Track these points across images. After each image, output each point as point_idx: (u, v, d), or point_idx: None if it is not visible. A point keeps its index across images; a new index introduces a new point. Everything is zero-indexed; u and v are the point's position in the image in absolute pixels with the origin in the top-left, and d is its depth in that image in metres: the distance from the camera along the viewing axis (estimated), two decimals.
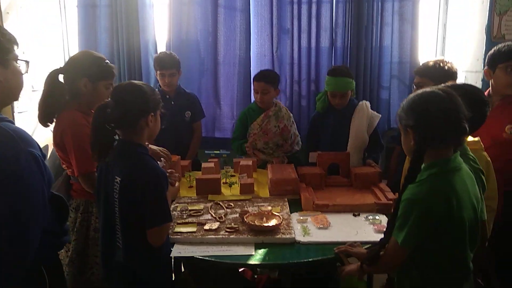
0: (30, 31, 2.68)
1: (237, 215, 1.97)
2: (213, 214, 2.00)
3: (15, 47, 1.31)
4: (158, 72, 2.92)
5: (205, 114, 3.21)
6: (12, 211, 1.18)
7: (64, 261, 2.01)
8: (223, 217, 1.96)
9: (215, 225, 1.86)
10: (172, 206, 2.08)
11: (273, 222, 1.85)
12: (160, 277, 1.69)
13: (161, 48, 3.38)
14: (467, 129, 1.33)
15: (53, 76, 1.98)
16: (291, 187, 2.26)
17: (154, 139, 2.64)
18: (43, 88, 1.99)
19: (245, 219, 1.86)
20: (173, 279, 1.97)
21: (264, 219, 1.89)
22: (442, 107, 1.32)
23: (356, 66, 3.26)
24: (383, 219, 1.94)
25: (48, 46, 2.94)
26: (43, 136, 2.42)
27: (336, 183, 2.44)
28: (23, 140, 1.25)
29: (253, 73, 3.23)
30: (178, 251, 1.69)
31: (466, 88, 1.64)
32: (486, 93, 2.26)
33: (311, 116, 3.20)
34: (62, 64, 2.06)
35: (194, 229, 1.83)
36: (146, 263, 1.64)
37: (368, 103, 2.81)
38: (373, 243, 1.69)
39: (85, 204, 2.06)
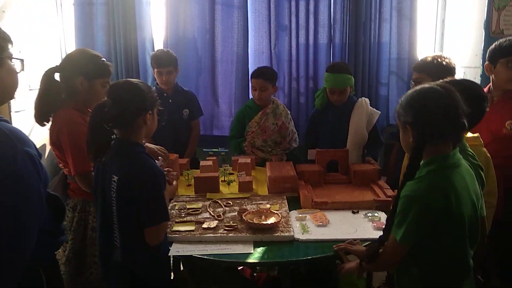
0: (26, 30, 2.66)
1: (236, 213, 1.97)
2: (211, 213, 1.99)
3: (10, 45, 1.30)
4: (155, 70, 2.90)
5: (203, 112, 3.20)
6: (10, 211, 1.17)
7: (61, 261, 2.00)
8: (222, 215, 1.96)
9: (214, 224, 1.85)
10: (170, 204, 2.07)
11: (271, 220, 1.84)
12: (159, 276, 1.68)
13: (158, 45, 3.36)
14: (466, 125, 1.32)
15: (49, 74, 1.97)
16: (290, 185, 2.26)
17: (151, 137, 2.66)
18: (39, 87, 1.97)
19: (244, 217, 1.85)
20: (172, 278, 1.96)
21: (263, 217, 1.89)
22: (441, 103, 1.31)
23: (354, 62, 3.25)
24: (382, 216, 1.93)
25: (44, 44, 2.92)
26: (40, 135, 2.40)
27: (335, 180, 2.43)
28: (19, 139, 1.24)
29: (251, 70, 3.22)
30: (176, 250, 1.68)
31: (465, 84, 1.64)
32: (486, 88, 2.25)
33: (309, 113, 3.19)
34: (58, 63, 2.05)
35: (192, 228, 1.82)
36: (144, 262, 1.63)
37: (367, 100, 2.80)
38: (372, 240, 1.68)
39: (82, 203, 2.05)
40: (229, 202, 2.13)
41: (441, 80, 1.50)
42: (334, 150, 2.53)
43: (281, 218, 1.86)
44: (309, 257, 1.64)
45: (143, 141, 1.74)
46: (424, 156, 1.35)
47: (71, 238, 2.02)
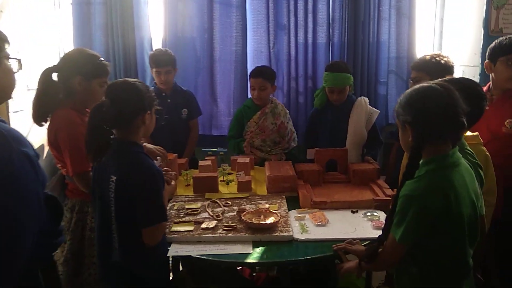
0: (24, 30, 2.64)
1: (235, 213, 1.96)
2: (210, 213, 1.98)
3: (7, 45, 1.29)
4: (153, 69, 2.89)
5: (201, 111, 3.19)
6: (7, 212, 1.17)
7: (59, 261, 1.99)
8: (221, 215, 1.95)
9: (213, 224, 1.84)
10: (169, 205, 2.07)
11: (271, 220, 1.84)
12: (158, 277, 1.68)
13: (157, 45, 3.35)
14: (465, 124, 1.32)
15: (46, 74, 1.96)
16: (289, 184, 2.25)
17: (150, 137, 2.65)
18: (36, 87, 1.96)
19: (243, 217, 1.84)
20: (171, 278, 1.96)
21: (262, 217, 1.88)
22: (440, 102, 1.31)
23: (353, 61, 3.25)
24: (382, 216, 1.92)
25: (42, 44, 2.91)
26: (39, 135, 2.39)
27: (334, 179, 2.43)
28: (16, 140, 1.23)
29: (249, 69, 3.20)
30: (175, 250, 1.68)
31: (464, 82, 1.63)
32: (486, 87, 2.25)
33: (308, 112, 3.19)
34: (56, 63, 2.04)
35: (191, 228, 1.82)
36: (143, 263, 1.63)
37: (366, 99, 2.79)
38: (372, 240, 1.68)
39: (80, 204, 2.05)
40: (228, 202, 2.12)
41: (439, 79, 1.50)
42: (333, 150, 2.53)
43: (280, 218, 1.85)
44: (308, 257, 1.64)
45: (142, 141, 1.73)
46: (423, 155, 1.34)
47: (69, 238, 2.01)
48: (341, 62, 2.93)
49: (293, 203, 2.10)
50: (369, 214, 1.95)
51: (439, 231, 1.33)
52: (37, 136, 2.36)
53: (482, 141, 1.83)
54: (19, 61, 1.35)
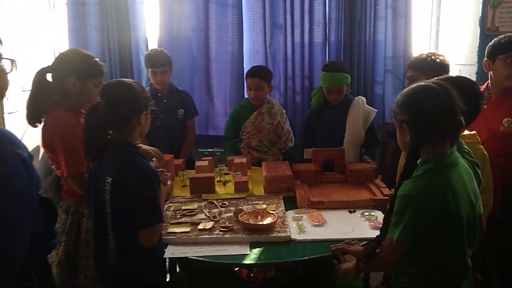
0: (19, 30, 2.63)
1: (232, 214, 1.95)
2: (207, 214, 1.97)
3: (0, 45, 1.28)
4: (149, 70, 2.88)
5: (198, 112, 3.17)
6: (1, 214, 1.15)
7: (54, 263, 1.98)
8: (218, 216, 1.94)
9: (209, 225, 1.83)
10: (166, 206, 2.05)
11: (268, 220, 1.82)
12: (154, 278, 1.67)
13: (153, 45, 3.33)
14: (463, 122, 1.31)
15: (41, 74, 1.94)
16: (286, 184, 2.24)
17: (146, 137, 2.64)
18: (31, 87, 1.94)
19: (240, 218, 1.83)
20: (168, 279, 1.95)
21: (259, 217, 1.87)
22: (438, 101, 1.30)
23: (350, 61, 3.24)
24: (379, 215, 1.92)
25: (38, 45, 2.89)
26: (34, 137, 2.37)
27: (331, 179, 2.42)
28: (10, 141, 1.22)
29: (246, 69, 3.19)
30: (171, 252, 1.66)
31: (460, 81, 1.63)
32: (484, 85, 2.25)
33: (305, 112, 3.18)
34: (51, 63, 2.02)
35: (188, 229, 1.80)
36: (139, 265, 1.61)
37: (364, 98, 2.79)
38: (369, 240, 1.67)
39: (75, 205, 2.03)
40: (225, 202, 2.11)
41: (436, 78, 1.49)
42: (330, 149, 2.52)
43: (277, 218, 1.84)
44: (306, 258, 1.63)
45: (137, 142, 1.72)
46: (421, 154, 1.34)
47: (64, 240, 1.99)
48: (338, 62, 2.92)
49: (291, 203, 2.09)
50: (366, 214, 1.94)
51: (437, 231, 1.33)
52: (32, 137, 2.34)
53: (479, 140, 1.83)
54: (12, 61, 1.34)
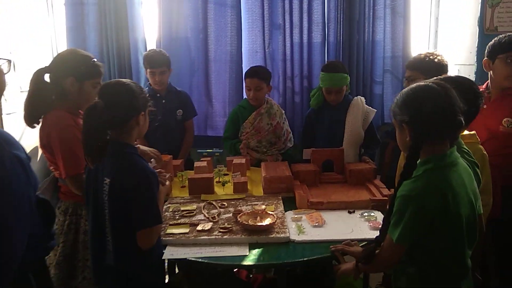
0: (17, 31, 2.62)
1: (231, 214, 1.94)
2: (206, 214, 1.96)
3: None
4: (148, 70, 2.87)
5: (197, 112, 3.17)
6: None
7: (52, 265, 1.97)
8: (216, 217, 1.93)
9: (208, 226, 1.82)
10: (164, 206, 2.04)
11: (267, 221, 1.82)
12: (153, 279, 1.66)
13: (151, 46, 3.33)
14: (463, 122, 1.31)
15: (38, 75, 1.93)
16: (285, 185, 2.23)
17: (145, 138, 2.63)
18: (28, 88, 1.94)
19: (239, 219, 1.82)
20: (167, 281, 1.94)
21: (258, 218, 1.86)
22: (437, 101, 1.30)
23: (348, 61, 3.23)
24: (379, 216, 1.91)
25: (36, 45, 2.88)
26: (33, 138, 2.37)
27: (331, 180, 2.41)
28: (8, 142, 1.22)
29: (244, 69, 3.19)
30: (170, 253, 1.66)
31: (459, 81, 1.62)
32: (484, 85, 2.25)
33: (304, 112, 3.18)
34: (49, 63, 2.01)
35: (186, 230, 1.79)
36: (137, 266, 1.61)
37: (363, 99, 2.78)
38: (369, 240, 1.66)
39: (73, 206, 2.02)
40: (224, 203, 2.10)
41: (435, 78, 1.49)
42: (330, 150, 2.51)
43: (276, 219, 1.84)
44: (305, 258, 1.62)
45: (136, 143, 1.71)
46: (421, 154, 1.33)
47: (62, 241, 1.98)
48: (337, 62, 2.92)
49: (290, 204, 2.08)
50: (366, 214, 1.93)
51: (437, 231, 1.32)
52: (30, 138, 2.34)
53: (479, 140, 1.83)
54: (9, 61, 1.34)
